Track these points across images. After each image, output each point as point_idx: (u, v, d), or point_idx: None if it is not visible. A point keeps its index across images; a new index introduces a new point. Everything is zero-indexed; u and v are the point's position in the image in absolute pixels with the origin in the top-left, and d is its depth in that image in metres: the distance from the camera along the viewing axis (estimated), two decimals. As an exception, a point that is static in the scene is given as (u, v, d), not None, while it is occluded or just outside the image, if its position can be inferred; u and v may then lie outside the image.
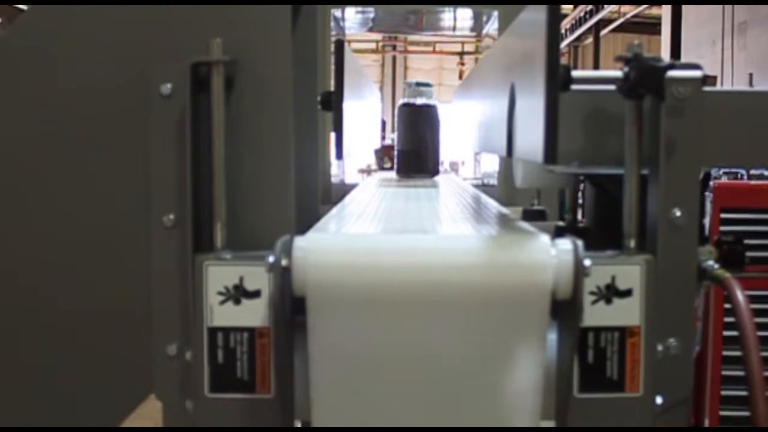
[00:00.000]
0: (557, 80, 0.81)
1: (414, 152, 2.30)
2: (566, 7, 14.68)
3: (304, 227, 1.01)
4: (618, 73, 0.97)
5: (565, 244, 0.88)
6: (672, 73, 0.96)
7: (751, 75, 9.81)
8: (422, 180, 2.16)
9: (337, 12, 2.67)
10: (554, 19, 0.81)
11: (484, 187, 2.43)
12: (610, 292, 0.96)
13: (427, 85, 2.37)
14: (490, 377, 0.87)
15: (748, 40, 10.53)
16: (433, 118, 2.32)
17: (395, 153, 2.35)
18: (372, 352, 0.88)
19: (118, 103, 1.05)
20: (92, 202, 1.06)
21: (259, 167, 1.04)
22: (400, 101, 2.38)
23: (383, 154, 3.82)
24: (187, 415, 1.02)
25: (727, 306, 1.94)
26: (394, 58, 19.35)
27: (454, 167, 9.20)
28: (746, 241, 1.13)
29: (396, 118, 2.37)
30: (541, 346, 0.87)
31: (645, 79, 0.95)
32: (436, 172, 2.32)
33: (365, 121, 1.94)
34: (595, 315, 0.95)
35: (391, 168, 2.60)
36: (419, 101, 2.32)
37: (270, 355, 0.97)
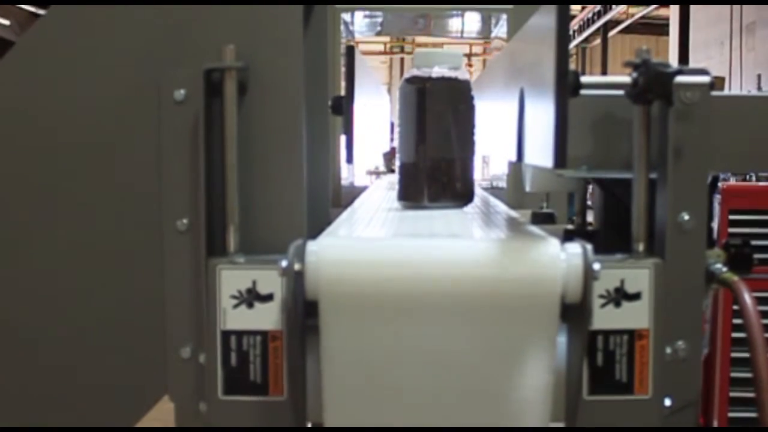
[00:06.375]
0: (567, 86, 0.82)
1: (429, 165, 1.28)
2: (574, 9, 14.65)
3: (315, 231, 1.02)
4: (626, 79, 0.98)
5: (575, 248, 0.89)
6: (680, 79, 0.96)
7: (759, 76, 9.77)
8: (443, 213, 1.26)
9: (346, 16, 2.68)
10: (563, 25, 0.82)
11: (492, 190, 2.44)
12: (619, 296, 0.97)
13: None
14: (501, 380, 0.88)
15: (756, 40, 10.50)
16: (460, 101, 1.29)
17: (397, 165, 1.35)
18: (383, 355, 0.89)
19: (131, 108, 1.06)
20: (107, 206, 1.07)
21: (272, 171, 1.05)
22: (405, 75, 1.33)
23: (391, 156, 3.83)
24: (200, 417, 1.03)
25: (735, 308, 1.95)
26: (402, 60, 19.35)
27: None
28: (754, 243, 1.13)
29: (398, 105, 1.34)
30: (551, 349, 0.88)
31: (653, 85, 0.96)
32: (468, 197, 1.32)
33: (374, 123, 1.94)
34: (604, 318, 0.96)
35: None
36: (435, 73, 1.28)
37: (282, 358, 0.98)
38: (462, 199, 1.31)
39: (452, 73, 1.28)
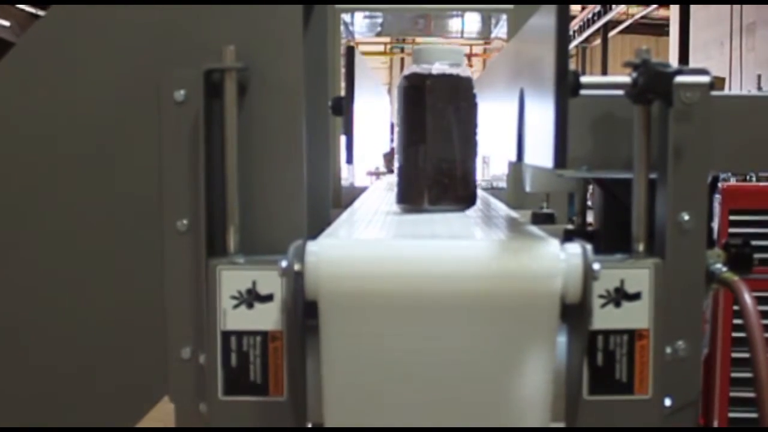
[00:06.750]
0: (567, 86, 0.82)
1: (429, 166, 1.21)
2: (574, 9, 14.67)
3: (315, 231, 1.02)
4: (626, 79, 0.98)
5: (575, 248, 0.89)
6: (680, 79, 0.96)
7: (759, 76, 9.77)
8: (443, 215, 1.21)
9: (346, 17, 2.69)
10: (563, 25, 0.82)
11: (492, 191, 2.44)
12: (619, 296, 0.97)
13: None
14: (501, 380, 0.88)
15: (756, 40, 10.50)
16: (462, 99, 1.23)
17: (396, 167, 1.29)
18: (383, 355, 0.89)
19: (131, 109, 1.06)
20: (107, 207, 1.07)
21: (272, 172, 1.05)
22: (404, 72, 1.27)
23: (391, 156, 3.83)
24: (200, 417, 1.03)
25: (735, 308, 1.95)
26: (402, 60, 19.34)
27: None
28: (755, 243, 1.14)
29: (396, 105, 1.28)
30: (551, 349, 0.88)
31: (653, 85, 0.96)
32: (470, 200, 1.27)
33: (374, 123, 1.94)
34: (604, 318, 0.96)
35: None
36: (436, 69, 1.23)
37: (283, 358, 0.98)
38: (464, 201, 1.24)
39: (453, 70, 1.22)
